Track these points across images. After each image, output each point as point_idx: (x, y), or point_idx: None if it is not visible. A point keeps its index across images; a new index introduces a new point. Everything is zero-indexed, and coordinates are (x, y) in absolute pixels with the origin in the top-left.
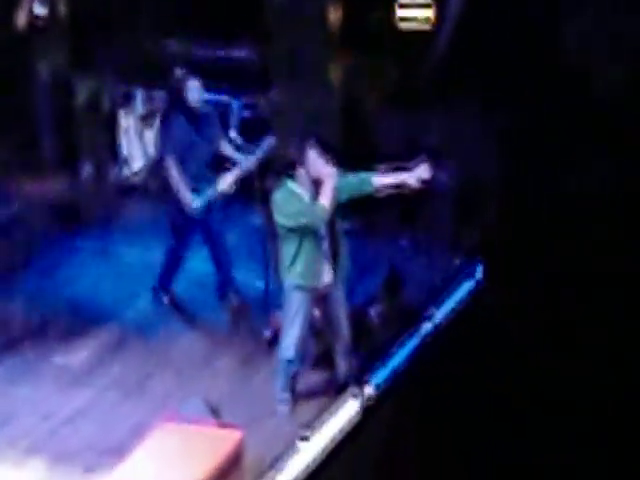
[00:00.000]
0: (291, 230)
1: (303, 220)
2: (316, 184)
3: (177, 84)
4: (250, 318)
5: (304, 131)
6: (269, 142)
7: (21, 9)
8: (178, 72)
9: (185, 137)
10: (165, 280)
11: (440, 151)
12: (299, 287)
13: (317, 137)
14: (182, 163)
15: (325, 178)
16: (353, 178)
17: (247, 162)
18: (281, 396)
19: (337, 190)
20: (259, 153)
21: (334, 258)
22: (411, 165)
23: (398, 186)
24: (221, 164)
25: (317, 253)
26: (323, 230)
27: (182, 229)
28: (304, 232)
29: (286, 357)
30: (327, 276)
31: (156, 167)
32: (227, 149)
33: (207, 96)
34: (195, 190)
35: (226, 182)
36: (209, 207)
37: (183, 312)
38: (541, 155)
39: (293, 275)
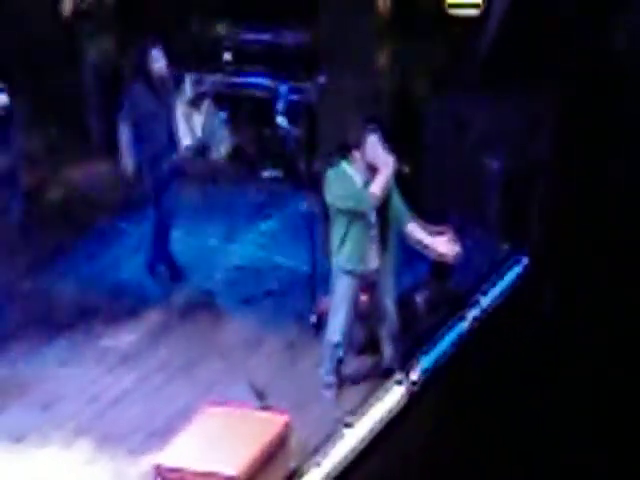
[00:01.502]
0: (340, 212)
1: (350, 204)
2: (371, 170)
3: (140, 54)
4: (296, 300)
5: (366, 115)
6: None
7: None
8: (142, 42)
9: (147, 105)
10: (158, 253)
11: (488, 137)
12: (346, 271)
13: (380, 123)
14: (142, 130)
15: (381, 166)
16: (398, 203)
17: None
18: (327, 380)
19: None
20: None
21: (383, 245)
22: (445, 231)
23: (425, 246)
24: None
25: (365, 238)
26: (373, 217)
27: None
28: (353, 216)
29: (332, 341)
30: (374, 262)
31: (203, 150)
32: None
33: (256, 80)
34: (156, 157)
35: None
36: (164, 181)
37: (229, 296)
38: (590, 142)
39: (340, 258)
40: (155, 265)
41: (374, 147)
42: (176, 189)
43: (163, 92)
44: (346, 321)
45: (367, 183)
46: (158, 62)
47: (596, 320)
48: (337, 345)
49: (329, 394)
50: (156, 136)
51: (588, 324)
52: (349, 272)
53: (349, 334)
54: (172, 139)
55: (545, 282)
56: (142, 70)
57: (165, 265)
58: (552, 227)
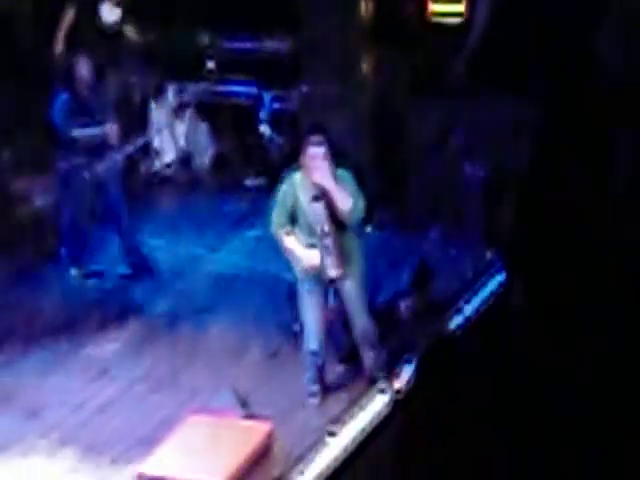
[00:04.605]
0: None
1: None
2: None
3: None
4: (280, 311)
5: (311, 125)
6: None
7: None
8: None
9: (70, 115)
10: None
11: (470, 144)
12: (301, 280)
13: (324, 134)
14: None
15: (320, 181)
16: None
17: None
18: (310, 389)
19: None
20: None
21: (342, 254)
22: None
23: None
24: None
25: (317, 248)
26: (325, 226)
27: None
28: (300, 228)
29: (309, 349)
30: (332, 271)
31: (186, 159)
32: None
33: (239, 88)
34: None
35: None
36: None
37: (213, 304)
38: (571, 150)
39: (295, 268)
40: (138, 264)
41: (314, 161)
42: (120, 189)
43: (92, 103)
44: (317, 328)
45: (316, 197)
46: (84, 71)
47: (578, 329)
48: (314, 353)
49: (313, 402)
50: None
51: (569, 332)
52: (303, 280)
53: (326, 341)
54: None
55: (518, 292)
56: (68, 79)
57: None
58: (529, 235)
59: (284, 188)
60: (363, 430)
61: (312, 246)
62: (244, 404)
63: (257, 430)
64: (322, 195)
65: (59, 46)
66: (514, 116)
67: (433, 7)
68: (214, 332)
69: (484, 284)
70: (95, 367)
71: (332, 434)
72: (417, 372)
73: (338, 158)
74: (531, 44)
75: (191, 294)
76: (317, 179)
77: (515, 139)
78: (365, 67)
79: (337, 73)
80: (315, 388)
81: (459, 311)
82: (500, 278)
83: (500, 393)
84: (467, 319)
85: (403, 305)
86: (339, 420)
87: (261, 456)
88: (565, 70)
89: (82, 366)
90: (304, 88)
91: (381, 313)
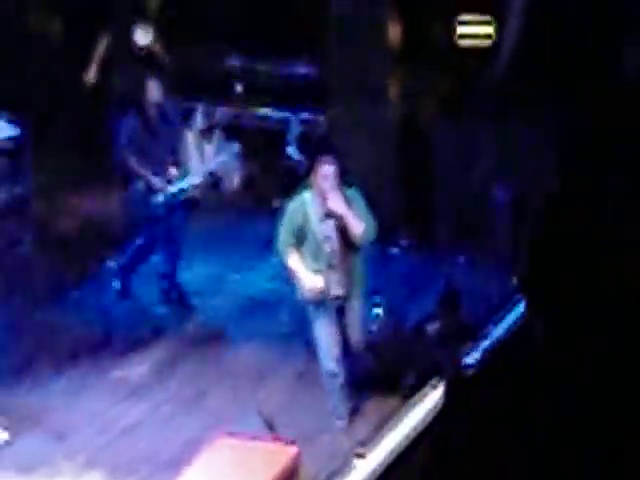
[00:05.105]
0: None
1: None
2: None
3: (136, 82)
4: (305, 332)
5: (323, 144)
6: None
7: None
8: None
9: (140, 136)
10: (171, 282)
11: (499, 167)
12: (306, 300)
13: (334, 153)
14: (140, 159)
15: (335, 208)
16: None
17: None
18: (336, 411)
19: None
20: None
21: (348, 273)
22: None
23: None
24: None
25: (320, 268)
26: (334, 245)
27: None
28: (307, 248)
29: (327, 370)
30: (337, 290)
31: (214, 181)
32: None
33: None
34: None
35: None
36: (173, 204)
37: (239, 326)
38: (601, 173)
39: (298, 290)
40: (169, 293)
41: (325, 181)
42: (182, 219)
43: (161, 124)
44: (330, 348)
45: (327, 216)
46: (153, 93)
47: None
48: (333, 375)
49: (341, 424)
50: (152, 169)
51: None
52: (308, 300)
53: (345, 362)
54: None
55: (536, 318)
56: (135, 102)
57: (176, 293)
58: (549, 260)
59: (294, 206)
60: (391, 453)
61: (317, 271)
62: (271, 426)
63: (283, 453)
64: (332, 214)
65: (92, 72)
66: (542, 140)
67: (461, 30)
68: (240, 354)
69: (511, 308)
70: (122, 389)
71: (360, 456)
72: (444, 396)
73: (345, 177)
74: (560, 66)
75: (218, 316)
76: (332, 206)
77: (543, 163)
78: (392, 89)
79: (365, 97)
80: (342, 409)
81: (486, 335)
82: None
83: (521, 405)
84: (494, 343)
85: (430, 328)
86: (367, 442)
87: (288, 479)
88: (592, 93)
89: (109, 388)
90: (332, 111)
91: (408, 336)
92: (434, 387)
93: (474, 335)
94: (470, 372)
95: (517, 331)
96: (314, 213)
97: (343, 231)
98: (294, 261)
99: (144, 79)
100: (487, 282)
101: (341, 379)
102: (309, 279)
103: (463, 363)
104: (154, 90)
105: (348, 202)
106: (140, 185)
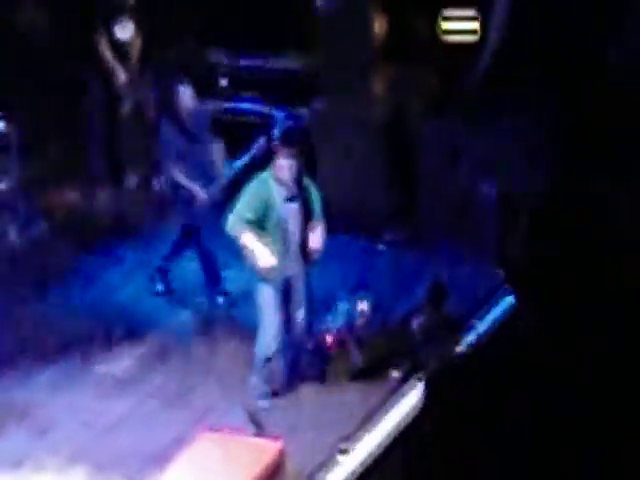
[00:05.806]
0: (255, 221)
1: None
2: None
3: (168, 89)
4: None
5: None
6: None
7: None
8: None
9: (175, 142)
10: (214, 281)
11: (484, 162)
12: (259, 280)
13: (304, 146)
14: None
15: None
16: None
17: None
18: (259, 390)
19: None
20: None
21: (300, 255)
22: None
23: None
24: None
25: (282, 247)
26: (294, 227)
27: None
28: (266, 226)
29: (264, 348)
30: (292, 269)
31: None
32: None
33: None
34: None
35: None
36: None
37: (225, 322)
38: (586, 170)
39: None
40: (214, 293)
41: (281, 171)
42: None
43: (194, 128)
44: (273, 327)
45: (291, 198)
46: (186, 98)
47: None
48: (269, 354)
49: (264, 404)
50: (189, 173)
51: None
52: (264, 281)
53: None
54: (206, 174)
55: (525, 311)
56: (169, 107)
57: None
58: (537, 255)
59: (256, 185)
60: (374, 448)
61: (273, 250)
62: (256, 422)
63: (268, 448)
64: (296, 196)
65: (120, 72)
66: (528, 135)
67: (445, 25)
68: (227, 349)
69: (496, 302)
70: (107, 384)
71: (344, 452)
72: (428, 390)
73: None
74: (545, 62)
75: (203, 311)
76: (312, 245)
77: (529, 159)
78: (378, 85)
79: (350, 92)
80: (266, 390)
81: (471, 329)
82: (511, 299)
83: (504, 400)
84: (479, 337)
85: (416, 322)
86: (351, 438)
87: (272, 474)
88: (579, 88)
89: (93, 383)
90: (317, 106)
91: (393, 331)
92: (419, 381)
93: (459, 329)
94: (454, 366)
95: (502, 326)
96: (277, 195)
97: (303, 215)
98: (249, 237)
99: (173, 85)
100: (473, 277)
101: (276, 359)
102: (264, 256)
103: (448, 357)
104: (186, 95)
105: (304, 188)
106: (183, 193)
